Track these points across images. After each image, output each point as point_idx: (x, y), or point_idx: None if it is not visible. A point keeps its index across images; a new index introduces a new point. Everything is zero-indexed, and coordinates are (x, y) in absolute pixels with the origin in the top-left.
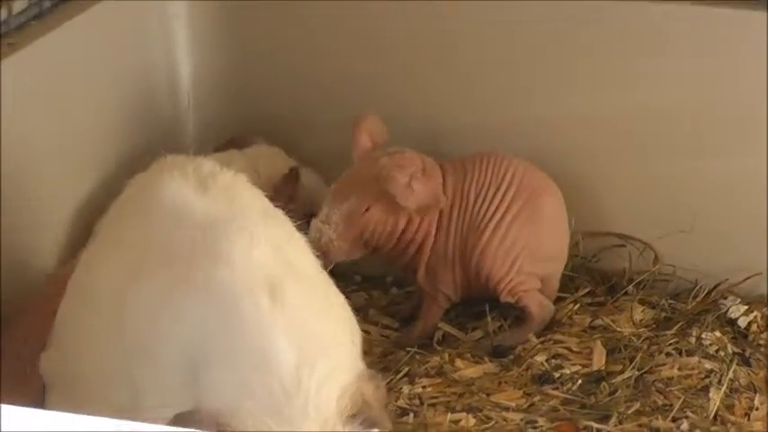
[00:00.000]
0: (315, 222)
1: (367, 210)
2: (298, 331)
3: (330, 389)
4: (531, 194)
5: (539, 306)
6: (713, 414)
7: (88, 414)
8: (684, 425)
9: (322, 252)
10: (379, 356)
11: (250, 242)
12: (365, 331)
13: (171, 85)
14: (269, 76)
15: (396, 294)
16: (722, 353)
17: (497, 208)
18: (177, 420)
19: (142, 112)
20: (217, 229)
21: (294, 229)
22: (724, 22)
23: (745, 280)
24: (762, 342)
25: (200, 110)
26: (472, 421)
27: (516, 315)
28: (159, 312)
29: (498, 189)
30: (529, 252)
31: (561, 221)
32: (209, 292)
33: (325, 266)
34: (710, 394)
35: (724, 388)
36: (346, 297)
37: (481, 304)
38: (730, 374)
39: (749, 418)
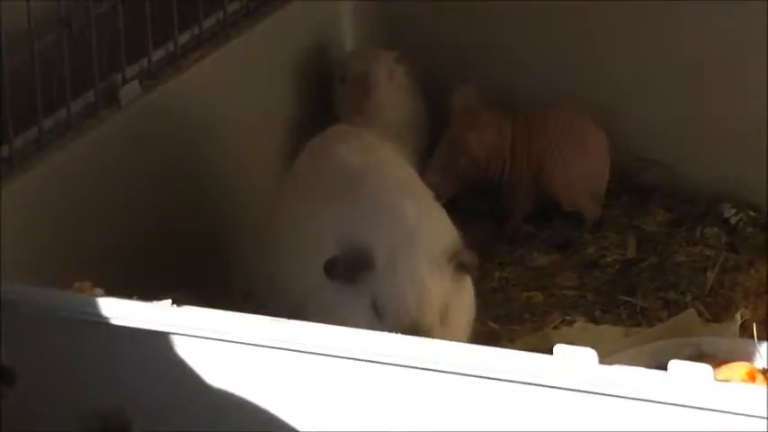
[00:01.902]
0: (426, 173)
1: (457, 160)
2: (421, 209)
3: (439, 240)
4: (581, 134)
5: (590, 211)
6: (708, 288)
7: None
8: (689, 296)
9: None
10: (479, 248)
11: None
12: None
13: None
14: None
15: None
16: (718, 243)
17: (557, 142)
18: (329, 263)
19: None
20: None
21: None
22: None
23: (736, 189)
24: (746, 234)
25: None
26: (541, 297)
27: (575, 217)
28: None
29: (558, 129)
30: (581, 174)
31: (603, 152)
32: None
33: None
34: (707, 273)
35: (716, 270)
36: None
37: (551, 211)
38: (722, 258)
39: (734, 290)
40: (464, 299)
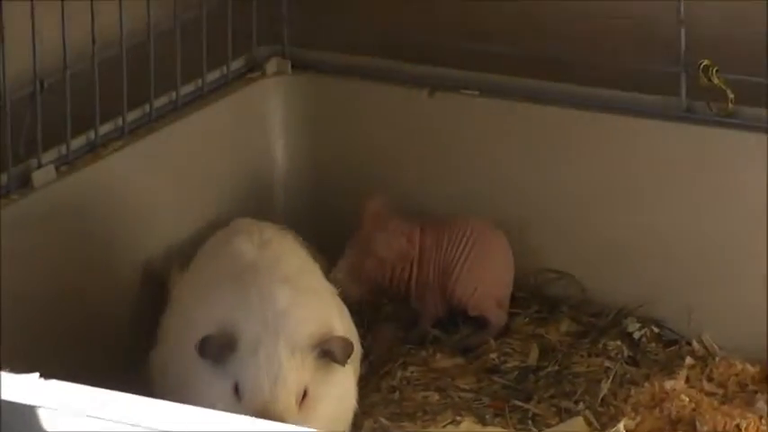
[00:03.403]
0: (333, 272)
1: (363, 261)
2: (296, 297)
3: (305, 327)
4: (484, 242)
5: (495, 316)
6: (601, 398)
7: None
8: (581, 405)
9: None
10: (387, 350)
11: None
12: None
13: (267, 162)
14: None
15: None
16: (619, 356)
17: (462, 251)
18: (200, 343)
19: (240, 185)
20: (257, 271)
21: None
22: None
23: (642, 305)
24: (648, 349)
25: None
26: (437, 397)
27: (480, 324)
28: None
29: (462, 239)
30: (485, 281)
31: (507, 261)
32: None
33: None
34: (602, 384)
35: (610, 381)
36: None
37: (460, 316)
38: (621, 370)
39: (626, 402)
40: (332, 388)
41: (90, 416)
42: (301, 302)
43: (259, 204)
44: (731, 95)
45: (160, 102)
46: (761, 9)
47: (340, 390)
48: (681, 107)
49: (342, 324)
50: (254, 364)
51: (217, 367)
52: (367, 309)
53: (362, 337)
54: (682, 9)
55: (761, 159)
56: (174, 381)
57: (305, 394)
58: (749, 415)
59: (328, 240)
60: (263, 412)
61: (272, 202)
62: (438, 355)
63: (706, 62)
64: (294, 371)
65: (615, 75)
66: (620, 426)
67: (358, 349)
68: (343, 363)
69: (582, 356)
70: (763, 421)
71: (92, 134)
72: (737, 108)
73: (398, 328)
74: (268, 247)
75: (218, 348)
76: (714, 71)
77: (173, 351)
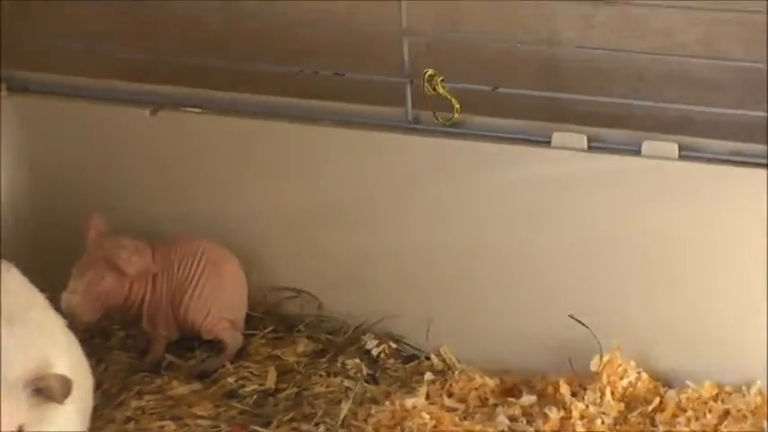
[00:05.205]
0: (64, 294)
1: (102, 279)
2: (14, 328)
3: (18, 365)
4: (216, 263)
5: (231, 338)
6: (341, 419)
7: None
8: (321, 428)
9: (72, 315)
10: (121, 379)
11: None
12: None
13: None
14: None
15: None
16: (358, 374)
17: (193, 273)
18: None
19: None
20: None
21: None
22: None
23: (380, 321)
24: (387, 366)
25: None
26: (173, 426)
27: (217, 347)
28: None
29: (192, 260)
30: (217, 303)
31: (239, 281)
32: None
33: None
34: (341, 405)
35: (350, 402)
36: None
37: (195, 340)
38: (361, 389)
39: (367, 422)
40: (48, 426)
41: None
42: (18, 341)
43: None
44: (456, 105)
45: None
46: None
47: (59, 428)
48: (407, 118)
49: (67, 359)
50: None
51: None
52: (98, 337)
53: (94, 366)
54: (404, 18)
55: (492, 167)
56: None
57: None
58: (490, 430)
59: (53, 268)
60: None
61: None
62: (174, 382)
63: (430, 72)
64: (7, 412)
65: (341, 86)
66: None
67: (87, 383)
68: (60, 401)
69: (321, 376)
70: None
71: None
72: (465, 117)
73: (131, 356)
74: None
75: None
76: (439, 80)
77: None
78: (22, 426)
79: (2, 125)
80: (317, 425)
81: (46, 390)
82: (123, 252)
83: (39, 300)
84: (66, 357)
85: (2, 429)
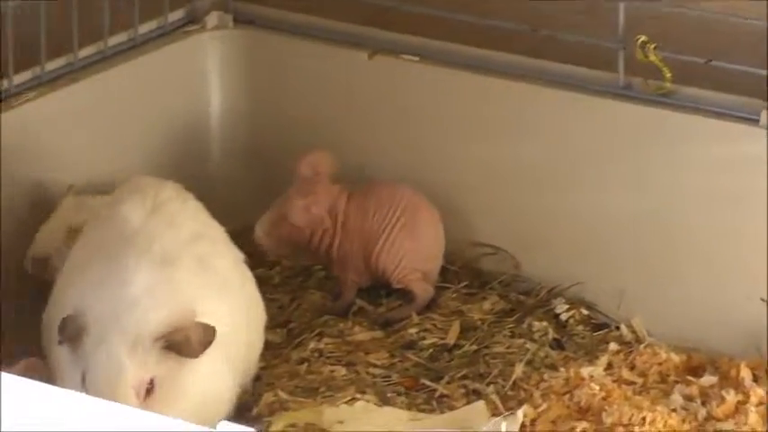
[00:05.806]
0: (257, 224)
1: (283, 220)
2: (160, 272)
3: (155, 315)
4: (413, 212)
5: (421, 290)
6: (512, 382)
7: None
8: (491, 388)
9: (260, 247)
10: (308, 320)
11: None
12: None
13: (202, 117)
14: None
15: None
16: (544, 338)
17: (387, 221)
18: (59, 326)
19: (173, 140)
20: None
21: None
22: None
23: (573, 285)
24: (575, 332)
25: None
26: (343, 371)
27: (407, 297)
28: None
29: (389, 208)
30: (410, 253)
31: (435, 234)
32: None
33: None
34: (514, 367)
35: (522, 364)
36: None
37: (387, 287)
38: (542, 353)
39: (537, 387)
40: (182, 379)
41: None
42: (159, 287)
43: (193, 160)
44: (668, 74)
45: (88, 51)
46: None
47: (195, 379)
48: (618, 84)
49: (219, 302)
50: (94, 358)
51: (72, 353)
52: (301, 276)
53: (287, 305)
54: None
55: (698, 141)
56: (48, 356)
57: (152, 388)
58: (658, 408)
59: (264, 198)
60: None
61: (207, 159)
62: (356, 328)
63: (643, 38)
64: (134, 367)
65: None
66: (519, 413)
67: (254, 322)
68: (195, 354)
69: (504, 337)
70: (673, 414)
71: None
72: (677, 87)
73: (324, 296)
74: (161, 210)
75: (72, 333)
76: (652, 48)
77: (48, 323)
78: (153, 378)
79: (226, 57)
80: (488, 384)
81: (177, 344)
82: (300, 203)
83: (213, 231)
84: (219, 300)
85: (127, 387)
